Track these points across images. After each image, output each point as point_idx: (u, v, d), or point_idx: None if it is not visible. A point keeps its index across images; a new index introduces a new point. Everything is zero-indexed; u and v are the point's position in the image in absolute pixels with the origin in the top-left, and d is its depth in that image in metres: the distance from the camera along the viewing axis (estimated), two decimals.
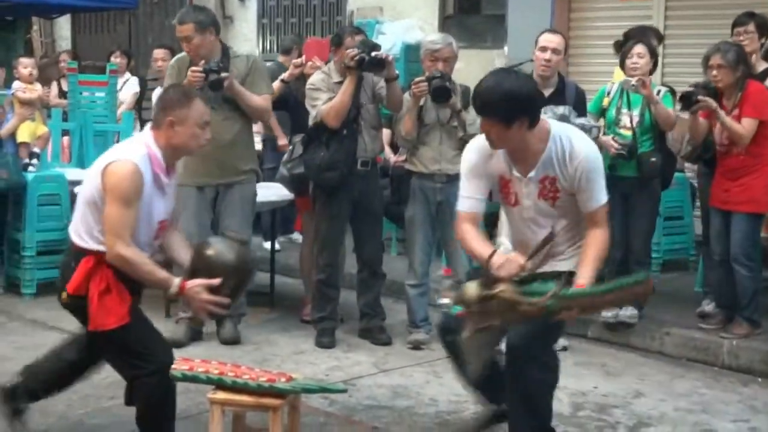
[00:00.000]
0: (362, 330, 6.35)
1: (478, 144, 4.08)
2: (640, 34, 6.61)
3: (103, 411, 4.95)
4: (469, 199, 4.08)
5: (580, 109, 6.03)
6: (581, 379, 5.67)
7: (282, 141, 8.32)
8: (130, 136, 9.07)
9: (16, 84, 8.01)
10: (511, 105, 3.80)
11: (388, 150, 8.03)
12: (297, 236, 8.53)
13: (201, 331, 6.13)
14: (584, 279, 3.84)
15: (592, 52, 9.10)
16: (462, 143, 6.02)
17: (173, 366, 3.89)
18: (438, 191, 6.09)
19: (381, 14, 11.01)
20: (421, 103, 6.00)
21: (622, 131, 6.18)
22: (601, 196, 3.99)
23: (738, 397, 5.48)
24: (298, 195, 6.63)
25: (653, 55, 6.23)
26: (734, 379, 5.78)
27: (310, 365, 5.75)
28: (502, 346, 4.32)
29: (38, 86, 8.15)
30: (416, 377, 5.62)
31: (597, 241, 3.97)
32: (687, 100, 5.93)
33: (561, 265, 4.06)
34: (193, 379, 3.89)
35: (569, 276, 3.89)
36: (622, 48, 6.45)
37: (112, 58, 10.43)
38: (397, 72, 6.07)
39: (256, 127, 9.89)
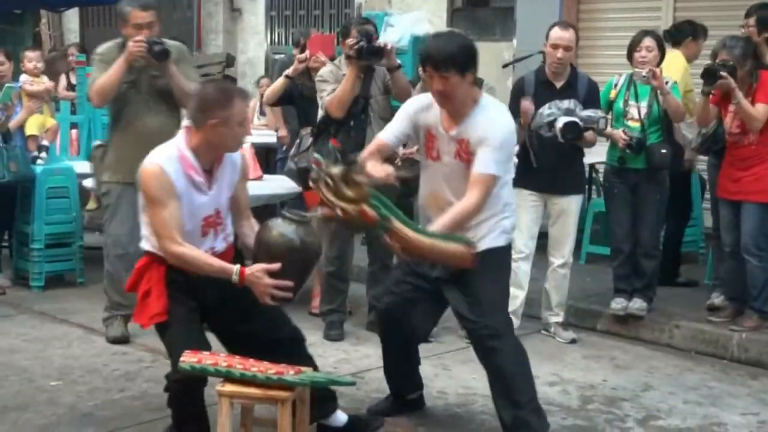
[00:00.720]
0: (371, 323, 6.34)
1: (422, 97, 4.48)
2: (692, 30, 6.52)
3: (112, 403, 4.95)
4: (387, 131, 4.50)
5: (592, 101, 6.00)
6: (590, 372, 5.66)
7: (282, 132, 8.37)
8: None
9: (23, 77, 8.02)
10: (466, 55, 4.20)
11: None
12: None
13: None
14: (433, 226, 4.17)
15: (602, 44, 9.08)
16: None
17: (182, 359, 3.88)
18: None
19: (389, 6, 10.99)
20: None
21: (630, 123, 6.16)
22: (487, 165, 4.21)
23: (747, 390, 5.47)
24: (306, 188, 6.62)
25: (662, 48, 6.21)
26: (743, 372, 5.76)
27: (319, 358, 5.67)
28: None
29: (45, 79, 8.15)
30: (425, 370, 5.59)
31: (463, 203, 4.21)
32: (711, 76, 5.84)
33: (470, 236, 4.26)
34: (202, 371, 3.88)
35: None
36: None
37: None
38: (398, 61, 6.05)
39: (264, 120, 9.96)
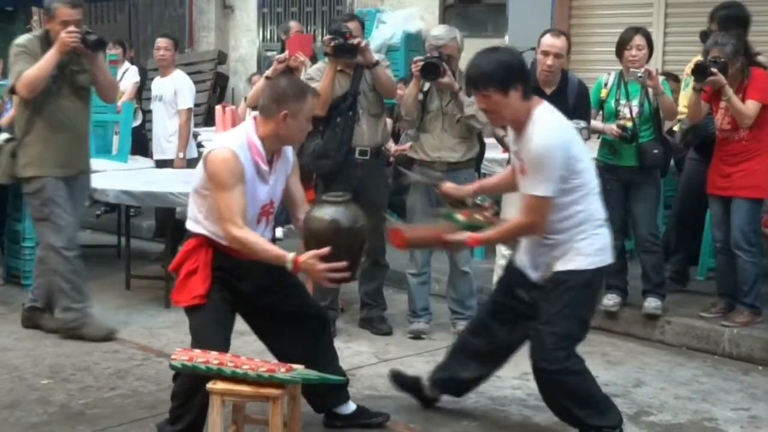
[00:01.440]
0: (363, 320, 6.35)
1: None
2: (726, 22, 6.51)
3: (103, 401, 4.95)
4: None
5: (582, 106, 5.99)
6: None
7: None
8: (130, 126, 9.13)
9: None
10: (505, 71, 4.08)
11: None
12: None
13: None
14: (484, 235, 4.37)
15: (594, 40, 9.09)
16: (463, 130, 6.04)
17: (172, 356, 3.88)
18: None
19: (382, 3, 11.00)
20: (425, 88, 5.99)
21: (622, 122, 6.16)
22: (532, 185, 4.15)
23: (738, 385, 5.48)
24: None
25: (650, 45, 6.19)
26: (735, 368, 5.78)
27: None
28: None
29: None
30: (417, 367, 5.61)
31: (512, 222, 4.33)
32: (702, 72, 5.84)
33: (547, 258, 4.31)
34: (193, 369, 3.88)
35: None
36: (706, 38, 6.36)
37: (108, 49, 10.39)
38: (375, 58, 6.04)
39: None
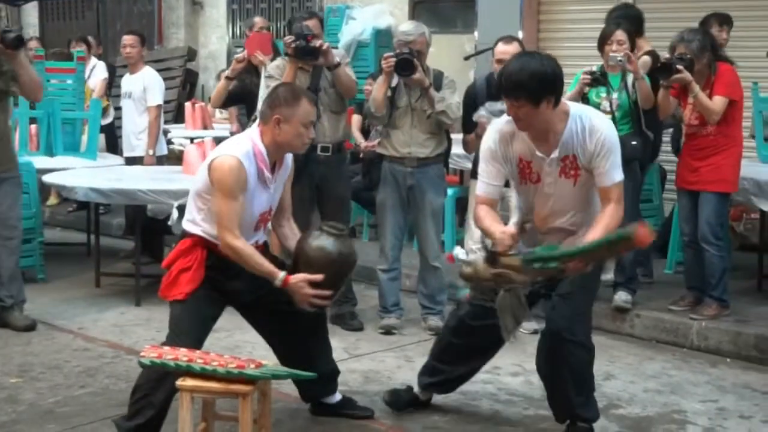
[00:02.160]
0: (333, 316, 6.34)
1: (498, 129, 4.23)
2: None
3: (73, 399, 4.92)
4: (488, 185, 4.27)
5: None
6: None
7: (234, 128, 8.43)
8: (98, 123, 9.07)
9: None
10: (539, 84, 3.95)
11: (358, 135, 8.05)
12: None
13: None
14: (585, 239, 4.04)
15: (563, 35, 9.11)
16: (432, 125, 6.05)
17: (141, 353, 3.86)
18: (408, 175, 6.09)
19: None
20: (394, 84, 6.00)
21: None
22: (616, 173, 4.13)
23: (707, 377, 5.53)
24: None
25: (632, 40, 6.19)
26: (703, 360, 5.82)
27: None
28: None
29: None
30: (388, 362, 5.63)
31: (609, 214, 4.12)
32: (666, 70, 5.89)
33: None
34: (162, 366, 3.87)
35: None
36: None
37: (72, 47, 10.33)
38: (336, 60, 6.03)
39: (226, 114, 9.91)
